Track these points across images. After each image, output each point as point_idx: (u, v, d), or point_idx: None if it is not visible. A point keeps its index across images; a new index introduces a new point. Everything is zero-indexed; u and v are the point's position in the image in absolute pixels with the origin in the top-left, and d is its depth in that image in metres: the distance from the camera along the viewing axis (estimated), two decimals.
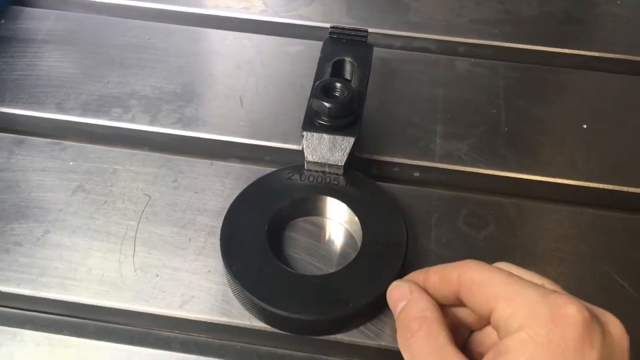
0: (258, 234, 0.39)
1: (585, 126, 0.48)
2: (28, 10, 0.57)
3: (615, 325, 0.28)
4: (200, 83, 0.51)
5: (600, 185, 0.45)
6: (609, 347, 0.27)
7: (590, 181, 0.45)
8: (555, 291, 0.29)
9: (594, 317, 0.28)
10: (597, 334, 0.27)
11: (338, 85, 0.41)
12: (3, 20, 0.55)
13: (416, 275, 0.35)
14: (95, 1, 0.58)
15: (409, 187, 0.45)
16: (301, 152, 0.43)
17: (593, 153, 0.46)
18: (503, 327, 0.29)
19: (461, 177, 0.46)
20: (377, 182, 0.43)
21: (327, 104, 0.40)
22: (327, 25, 0.50)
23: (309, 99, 0.42)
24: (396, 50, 0.55)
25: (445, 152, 0.46)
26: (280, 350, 0.38)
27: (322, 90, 0.41)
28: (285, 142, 0.47)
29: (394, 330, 0.37)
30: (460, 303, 0.33)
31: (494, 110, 0.49)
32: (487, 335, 0.33)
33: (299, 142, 0.46)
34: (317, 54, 0.50)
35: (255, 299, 0.36)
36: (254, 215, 0.40)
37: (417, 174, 0.46)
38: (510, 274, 0.31)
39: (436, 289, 0.34)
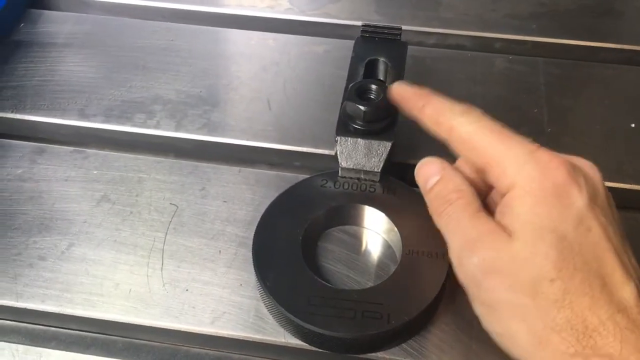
0: (292, 245, 0.37)
1: (633, 125, 0.46)
2: (47, 13, 0.55)
3: (589, 167, 0.33)
4: (226, 86, 0.49)
5: None
6: (591, 186, 0.31)
7: None
8: (538, 147, 0.32)
9: (575, 165, 0.32)
10: (580, 178, 0.31)
11: (373, 87, 0.39)
12: (22, 24, 0.54)
13: (415, 100, 0.36)
14: (115, 2, 0.57)
15: None
16: (334, 157, 0.41)
17: None
18: (497, 186, 0.33)
19: None
20: (415, 189, 0.41)
21: (362, 107, 0.38)
22: (356, 23, 0.48)
23: (342, 101, 0.40)
24: (429, 48, 0.53)
25: None
26: None
27: (356, 92, 0.39)
28: (316, 147, 0.45)
29: (438, 347, 0.35)
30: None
31: (536, 110, 0.47)
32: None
33: (330, 147, 0.44)
34: (346, 53, 0.48)
35: (291, 315, 0.34)
36: (287, 225, 0.38)
37: None
38: (502, 128, 0.33)
39: (430, 125, 0.36)
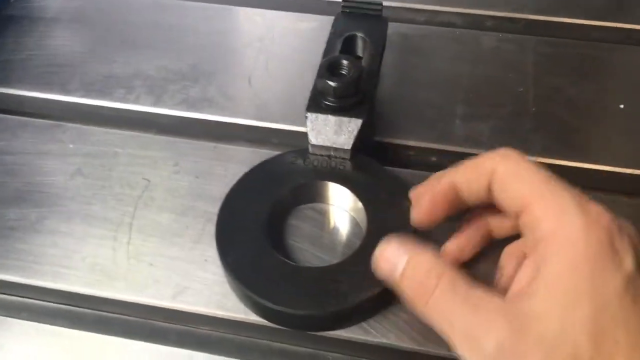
0: (256, 222, 0.36)
1: (622, 106, 0.44)
2: None
3: (631, 230, 0.28)
4: (208, 62, 0.48)
5: (638, 172, 0.41)
6: (638, 253, 0.27)
7: (627, 167, 0.41)
8: (589, 199, 0.28)
9: (623, 226, 0.28)
10: (626, 241, 0.27)
11: (345, 62, 0.38)
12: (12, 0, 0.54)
13: (440, 182, 0.32)
14: None
15: (426, 172, 0.41)
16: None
17: (630, 136, 0.42)
18: (532, 228, 0.28)
19: None
20: (390, 168, 0.40)
21: (332, 83, 0.37)
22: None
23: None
24: (419, 25, 0.52)
25: (465, 135, 0.43)
26: (280, 345, 0.36)
27: (327, 68, 0.38)
28: (294, 124, 0.44)
29: (398, 327, 0.34)
30: (488, 201, 0.31)
31: (521, 89, 0.45)
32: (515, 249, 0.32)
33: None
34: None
35: (250, 292, 0.34)
36: (253, 202, 0.37)
37: (434, 159, 0.43)
38: (550, 174, 0.29)
39: (469, 184, 0.31)
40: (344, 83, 0.37)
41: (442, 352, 0.33)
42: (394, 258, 0.30)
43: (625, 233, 0.28)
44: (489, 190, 0.31)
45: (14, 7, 0.53)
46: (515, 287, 0.29)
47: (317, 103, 0.39)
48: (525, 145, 0.42)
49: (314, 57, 0.48)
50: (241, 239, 0.36)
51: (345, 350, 0.36)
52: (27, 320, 0.37)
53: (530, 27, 0.51)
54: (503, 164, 0.30)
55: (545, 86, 0.46)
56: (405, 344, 0.34)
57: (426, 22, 0.52)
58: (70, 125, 0.45)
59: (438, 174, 0.34)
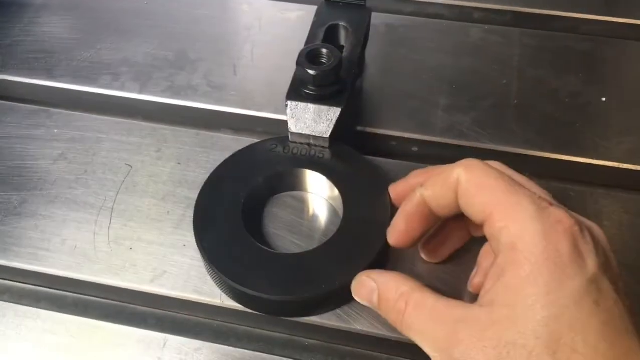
0: (233, 208, 0.36)
1: (604, 99, 0.44)
2: None
3: (597, 229, 0.29)
4: (195, 50, 0.49)
5: (617, 165, 0.41)
6: (603, 254, 0.27)
7: (606, 160, 0.41)
8: (550, 204, 0.28)
9: (584, 228, 0.28)
10: (589, 244, 0.27)
11: (324, 51, 0.38)
12: None
13: (412, 199, 0.33)
14: None
15: (407, 162, 0.42)
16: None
17: (610, 128, 0.42)
18: (495, 240, 0.29)
19: (463, 153, 0.42)
20: (370, 157, 0.40)
21: (311, 72, 0.37)
22: None
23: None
24: (406, 16, 0.52)
25: (446, 126, 0.43)
26: (257, 331, 0.37)
27: (307, 57, 0.38)
28: (277, 113, 0.44)
29: (371, 314, 0.34)
30: (458, 210, 0.31)
31: (505, 82, 0.46)
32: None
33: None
34: None
35: (225, 277, 0.34)
36: (231, 188, 0.37)
37: (415, 149, 0.43)
38: (511, 181, 0.29)
39: (437, 199, 0.32)
40: (323, 71, 0.37)
41: None
42: (364, 291, 0.32)
43: (589, 235, 0.27)
44: (456, 202, 0.31)
45: None
46: (482, 291, 0.29)
47: (297, 91, 0.39)
48: (506, 136, 0.42)
49: (300, 46, 0.48)
50: (218, 225, 0.36)
51: (320, 336, 0.36)
52: (8, 302, 0.37)
53: (518, 20, 0.51)
54: (465, 175, 0.30)
55: (529, 78, 0.46)
56: (378, 330, 0.34)
57: (413, 14, 0.53)
58: (55, 110, 0.45)
59: (414, 174, 0.34)
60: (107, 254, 0.37)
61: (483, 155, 0.41)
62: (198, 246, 0.35)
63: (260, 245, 0.35)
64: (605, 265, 0.27)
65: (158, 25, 0.51)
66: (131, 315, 0.38)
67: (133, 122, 0.44)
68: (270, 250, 0.36)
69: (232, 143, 0.43)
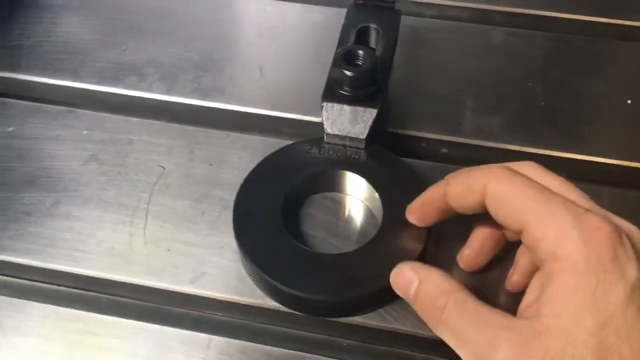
0: (272, 209, 0.37)
1: (629, 101, 0.45)
2: None
3: (635, 232, 0.28)
4: (220, 51, 0.49)
5: None
6: None
7: (634, 161, 0.42)
8: (586, 210, 0.28)
9: (623, 232, 0.27)
10: (629, 249, 0.27)
11: (360, 52, 0.39)
12: None
13: (436, 189, 0.33)
14: None
15: (437, 164, 0.42)
16: (322, 124, 0.41)
17: (637, 130, 0.43)
18: (535, 250, 0.29)
19: (492, 154, 0.43)
20: (402, 158, 0.40)
21: (348, 73, 0.38)
22: None
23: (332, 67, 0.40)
24: (428, 19, 0.52)
25: (475, 127, 0.44)
26: (295, 331, 0.37)
27: (343, 58, 0.39)
28: (306, 114, 0.45)
29: (414, 314, 0.35)
30: (477, 211, 0.31)
31: (530, 84, 0.46)
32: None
33: (320, 114, 0.44)
34: (342, 21, 0.47)
35: (268, 278, 0.34)
36: (269, 189, 0.38)
37: (445, 150, 0.44)
38: (542, 188, 0.29)
39: (458, 200, 0.32)
40: (360, 73, 0.38)
41: None
42: (404, 280, 0.32)
43: (629, 240, 0.27)
44: (483, 206, 0.31)
45: None
46: (523, 304, 0.30)
47: (332, 92, 0.39)
48: (534, 138, 0.43)
49: (324, 48, 0.48)
50: (258, 225, 0.36)
51: (360, 337, 0.36)
52: (44, 303, 0.37)
53: (537, 23, 0.52)
54: (494, 184, 0.30)
55: (553, 81, 0.46)
56: (422, 330, 0.34)
57: (435, 16, 0.53)
58: (82, 111, 0.45)
59: (431, 192, 0.34)
60: (144, 255, 0.37)
61: (512, 156, 0.42)
62: (239, 246, 0.35)
63: (302, 246, 0.36)
64: None
65: (181, 26, 0.50)
66: (168, 316, 0.37)
67: (162, 123, 0.44)
68: (311, 250, 0.36)
69: (263, 144, 0.43)
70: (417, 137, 0.44)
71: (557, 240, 0.27)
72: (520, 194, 0.29)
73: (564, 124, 0.44)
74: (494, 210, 0.30)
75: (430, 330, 0.34)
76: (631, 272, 0.26)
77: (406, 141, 0.44)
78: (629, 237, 0.28)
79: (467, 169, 0.32)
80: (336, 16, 0.50)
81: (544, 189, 0.29)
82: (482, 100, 0.45)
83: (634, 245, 0.27)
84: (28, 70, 0.47)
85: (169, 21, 0.51)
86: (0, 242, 0.38)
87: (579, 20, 0.51)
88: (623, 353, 0.25)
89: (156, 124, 0.44)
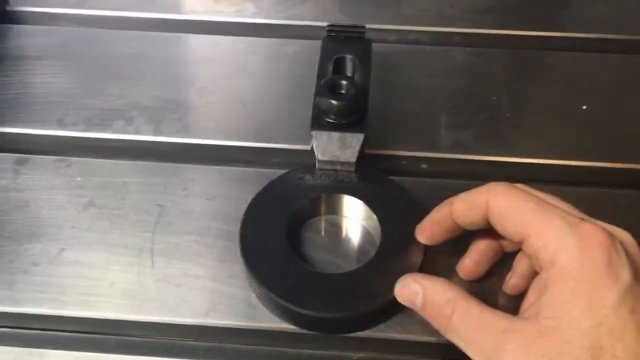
0: (277, 235, 0.39)
1: (585, 107, 0.49)
2: (16, 27, 0.56)
3: (627, 238, 0.31)
4: (200, 89, 0.50)
5: (612, 165, 0.45)
6: (635, 262, 0.30)
7: (602, 161, 0.46)
8: (581, 219, 0.30)
9: (616, 239, 0.30)
10: (622, 255, 0.29)
11: (343, 82, 0.41)
12: None
13: (441, 209, 0.36)
14: (82, 14, 0.58)
15: (418, 179, 0.45)
16: (309, 152, 0.43)
17: (598, 133, 0.47)
18: (535, 258, 0.31)
19: (469, 166, 0.46)
20: (390, 177, 0.43)
21: (334, 102, 0.40)
22: (322, 24, 0.51)
23: (315, 97, 0.42)
24: (391, 44, 0.56)
25: (451, 142, 0.47)
26: (307, 352, 0.39)
27: (327, 88, 0.41)
28: (292, 143, 0.47)
29: (420, 322, 0.37)
30: (482, 226, 0.34)
31: (494, 98, 0.50)
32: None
33: (305, 142, 0.46)
34: (314, 52, 0.50)
35: (282, 301, 0.36)
36: (271, 217, 0.40)
37: (424, 166, 0.47)
38: (539, 200, 0.32)
39: (464, 216, 0.34)
40: (345, 101, 0.40)
41: None
42: (409, 293, 0.34)
43: (622, 245, 0.30)
44: (487, 221, 0.34)
45: None
46: (524, 305, 0.32)
47: (319, 121, 0.42)
48: (506, 147, 0.46)
49: (301, 79, 0.51)
50: (265, 252, 0.38)
51: (371, 349, 0.38)
52: (62, 350, 0.38)
53: (492, 41, 0.56)
54: (495, 199, 0.33)
55: (515, 93, 0.50)
56: (429, 337, 0.37)
57: (396, 41, 0.56)
58: (73, 159, 0.46)
59: (438, 212, 0.37)
60: (156, 293, 0.39)
61: (487, 166, 0.46)
62: (250, 273, 0.37)
63: (310, 267, 0.38)
64: (637, 273, 0.29)
65: (159, 69, 0.52)
66: (181, 350, 0.39)
67: (154, 163, 0.46)
68: (321, 271, 0.38)
69: (255, 175, 0.44)
70: (397, 155, 0.47)
71: (554, 249, 0.30)
72: (519, 207, 0.32)
73: (530, 132, 0.48)
74: (497, 224, 0.33)
75: (438, 335, 0.36)
76: (624, 276, 0.29)
77: (386, 160, 0.46)
78: (622, 243, 0.30)
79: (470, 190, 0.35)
80: (307, 48, 0.53)
81: (541, 200, 0.32)
82: (454, 116, 0.48)
83: (626, 251, 0.30)
84: (12, 122, 0.48)
85: (145, 65, 0.52)
86: (11, 295, 0.38)
87: (529, 36, 0.55)
88: (616, 351, 0.28)
89: (148, 164, 0.46)
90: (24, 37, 0.55)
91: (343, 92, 0.42)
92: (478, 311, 0.31)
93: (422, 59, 0.53)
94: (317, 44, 0.52)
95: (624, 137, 0.47)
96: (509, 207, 0.32)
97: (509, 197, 0.33)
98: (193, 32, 0.56)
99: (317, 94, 0.42)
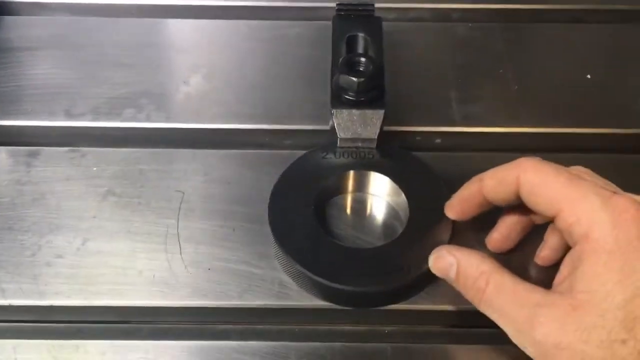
0: (306, 214, 0.39)
1: (589, 76, 0.50)
2: (9, 19, 0.54)
3: None
4: (208, 74, 0.50)
5: (623, 131, 0.47)
6: None
7: (613, 127, 0.47)
8: (613, 193, 0.31)
9: None
10: None
11: (362, 59, 0.42)
12: None
13: (471, 186, 0.36)
14: (75, 3, 0.56)
15: (434, 153, 0.45)
16: (322, 132, 0.44)
17: (604, 100, 0.48)
18: (568, 233, 0.32)
19: (483, 139, 0.47)
20: (410, 151, 0.43)
21: (355, 79, 0.40)
22: (323, 4, 0.50)
23: (333, 75, 0.42)
24: (392, 22, 0.55)
25: (463, 116, 0.47)
26: (339, 328, 0.39)
27: (346, 65, 0.41)
28: (305, 124, 0.47)
29: (447, 292, 0.37)
30: (513, 202, 0.34)
31: (501, 71, 0.51)
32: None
33: (318, 122, 0.46)
34: (317, 33, 0.51)
35: (319, 278, 0.36)
36: (298, 197, 0.40)
37: (438, 140, 0.47)
38: (570, 175, 0.32)
39: (494, 192, 0.35)
40: (366, 78, 0.40)
41: None
42: (443, 265, 0.35)
43: None
44: (517, 197, 0.34)
45: None
46: (558, 278, 0.33)
47: (339, 99, 0.42)
48: (516, 118, 0.47)
49: (307, 60, 0.51)
50: (296, 231, 0.38)
51: (402, 321, 0.39)
52: (94, 339, 0.37)
53: (492, 16, 0.56)
54: (525, 175, 0.33)
55: (520, 65, 0.51)
56: (459, 305, 0.37)
57: (397, 19, 0.56)
58: (86, 149, 0.45)
59: (468, 188, 0.37)
60: (188, 278, 0.38)
61: (502, 138, 0.47)
62: (285, 254, 0.37)
63: (343, 244, 0.38)
64: None
65: (163, 56, 0.51)
66: (213, 333, 0.39)
67: (170, 150, 0.45)
68: (353, 247, 0.38)
69: (273, 157, 0.44)
70: (412, 131, 0.47)
71: (587, 223, 0.30)
72: (551, 182, 0.32)
73: (538, 103, 0.48)
74: (528, 199, 0.33)
75: (467, 304, 0.37)
76: None
77: (401, 136, 0.47)
78: None
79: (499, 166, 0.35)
80: (310, 29, 0.53)
81: (572, 175, 0.32)
82: (463, 90, 0.49)
83: None
84: (18, 115, 0.47)
85: (149, 52, 0.51)
86: (37, 288, 0.38)
87: (528, 9, 0.56)
88: None
89: (163, 151, 0.45)
90: (17, 28, 0.53)
91: (361, 69, 0.42)
92: (512, 284, 0.32)
93: (426, 35, 0.53)
94: (320, 24, 0.52)
95: (630, 103, 0.48)
96: (540, 182, 0.33)
97: (540, 172, 0.33)
98: (195, 17, 0.55)
99: (338, 71, 0.42)
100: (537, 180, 0.33)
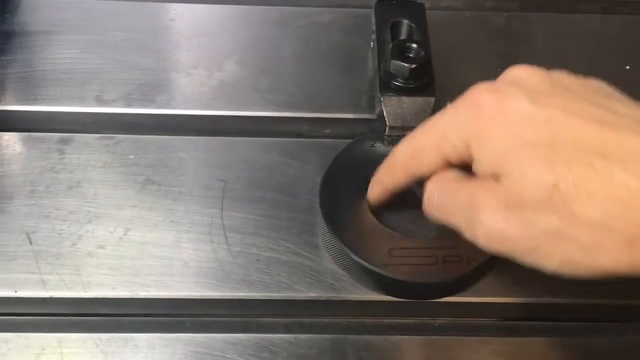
0: (359, 203, 0.38)
1: (628, 67, 0.50)
2: (30, 1, 0.52)
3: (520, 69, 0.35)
4: (241, 61, 0.48)
5: None
6: (524, 82, 0.33)
7: None
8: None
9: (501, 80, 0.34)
10: (505, 87, 0.33)
11: (414, 45, 0.40)
12: (8, 15, 0.51)
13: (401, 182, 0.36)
14: None
15: None
16: (365, 120, 0.42)
17: None
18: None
19: None
20: None
21: (407, 65, 0.39)
22: None
23: (381, 62, 0.41)
24: (427, 11, 0.54)
25: None
26: (385, 321, 0.38)
27: (398, 51, 0.40)
28: (345, 112, 0.46)
29: (493, 285, 0.37)
30: None
31: (541, 60, 0.49)
32: None
33: (358, 111, 0.45)
34: (350, 21, 0.49)
35: (377, 269, 0.35)
36: (350, 185, 0.38)
37: None
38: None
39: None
40: (419, 64, 0.39)
41: (543, 299, 0.37)
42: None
43: (505, 81, 0.33)
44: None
45: (9, 23, 0.50)
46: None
47: (388, 86, 0.40)
48: None
49: (342, 47, 0.50)
50: (350, 221, 0.37)
51: (455, 314, 0.38)
52: (141, 332, 0.36)
53: (525, 5, 0.55)
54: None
55: (557, 55, 0.50)
56: (510, 298, 0.37)
57: (430, 8, 0.55)
58: (120, 136, 0.43)
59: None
60: (236, 269, 0.37)
61: None
62: (340, 244, 0.36)
63: (397, 234, 0.37)
64: (534, 90, 0.32)
65: (191, 42, 0.49)
66: (258, 326, 0.37)
67: (208, 138, 0.44)
68: (411, 237, 0.37)
69: (313, 146, 0.43)
70: None
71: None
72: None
73: None
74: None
75: (513, 296, 0.36)
76: (517, 99, 0.30)
77: None
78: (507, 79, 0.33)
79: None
80: (343, 16, 0.52)
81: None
82: None
83: (512, 81, 0.33)
84: (46, 100, 0.45)
85: (177, 38, 0.50)
86: (81, 280, 0.36)
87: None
88: (565, 156, 0.27)
89: (202, 139, 0.43)
90: (39, 11, 0.51)
91: (412, 55, 0.41)
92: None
93: (463, 25, 0.52)
94: (353, 12, 0.51)
95: None
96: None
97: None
98: (222, 3, 0.53)
99: (389, 57, 0.40)
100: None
